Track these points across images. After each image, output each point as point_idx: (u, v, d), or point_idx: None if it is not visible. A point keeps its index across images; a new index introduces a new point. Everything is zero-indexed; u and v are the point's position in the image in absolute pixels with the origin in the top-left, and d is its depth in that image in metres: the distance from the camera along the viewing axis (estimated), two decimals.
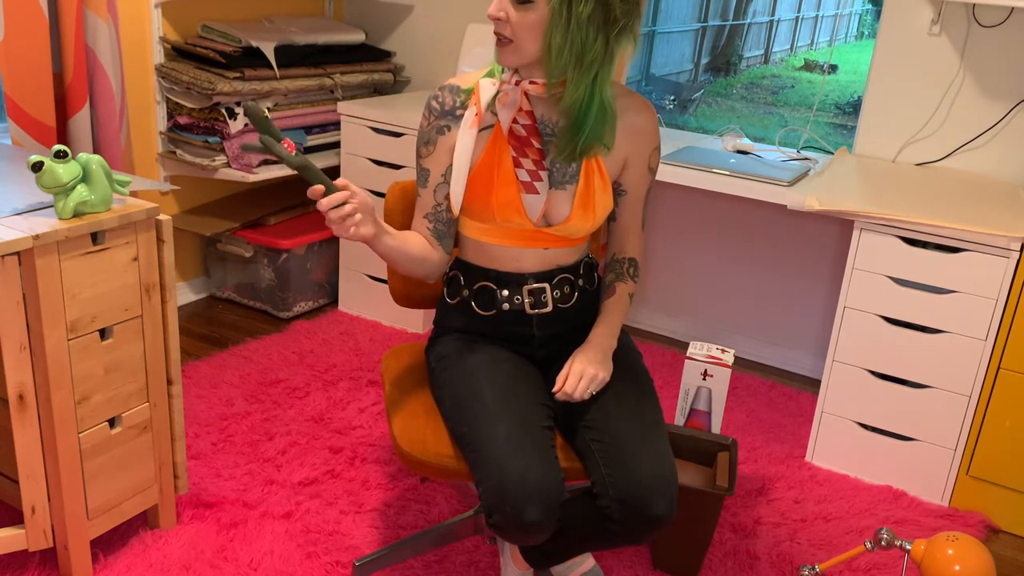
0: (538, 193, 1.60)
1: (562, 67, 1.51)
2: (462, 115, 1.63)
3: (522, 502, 1.42)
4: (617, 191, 1.71)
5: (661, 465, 1.50)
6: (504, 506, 1.43)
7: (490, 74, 1.63)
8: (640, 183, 1.71)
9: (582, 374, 1.59)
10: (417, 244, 1.65)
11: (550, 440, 1.53)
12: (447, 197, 1.67)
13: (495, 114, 1.61)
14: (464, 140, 1.60)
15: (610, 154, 1.64)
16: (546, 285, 1.69)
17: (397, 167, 2.99)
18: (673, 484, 1.50)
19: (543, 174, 1.60)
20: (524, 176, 1.60)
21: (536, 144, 1.59)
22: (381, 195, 3.06)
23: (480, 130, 1.62)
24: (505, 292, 1.69)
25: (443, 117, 1.64)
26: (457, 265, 1.75)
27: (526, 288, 1.69)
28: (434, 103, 1.64)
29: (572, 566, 1.88)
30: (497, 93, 1.60)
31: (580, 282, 1.73)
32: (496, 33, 1.54)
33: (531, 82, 1.57)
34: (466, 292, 1.72)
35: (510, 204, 1.60)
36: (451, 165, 1.65)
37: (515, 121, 1.59)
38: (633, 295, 1.75)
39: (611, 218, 1.76)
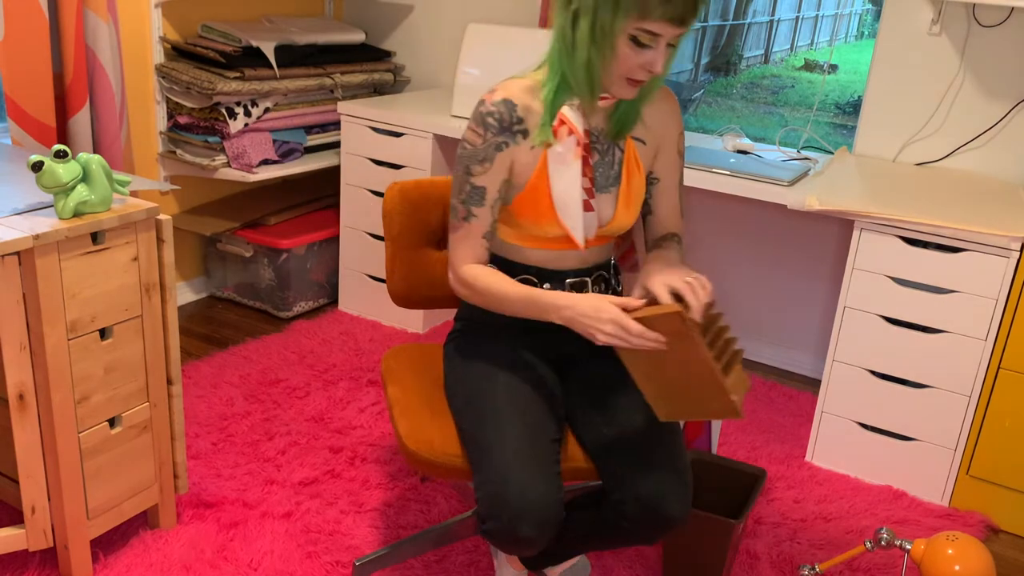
0: (593, 210, 1.59)
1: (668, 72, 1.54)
2: (519, 131, 1.56)
3: (519, 517, 1.41)
4: (651, 181, 1.70)
5: (677, 465, 1.50)
6: (500, 516, 1.42)
7: (561, 91, 1.55)
8: (672, 169, 1.70)
9: (698, 283, 1.46)
10: (501, 278, 1.60)
11: (556, 455, 1.52)
12: (499, 212, 1.62)
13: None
14: (569, 176, 1.55)
15: (646, 147, 1.65)
16: (587, 279, 1.69)
17: (397, 167, 2.99)
18: (688, 486, 1.50)
19: (594, 190, 1.59)
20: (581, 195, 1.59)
21: (591, 161, 1.58)
22: (380, 195, 3.06)
23: (532, 148, 1.57)
24: (547, 286, 1.67)
25: (502, 133, 1.55)
26: (494, 260, 1.70)
27: (568, 282, 1.67)
28: (491, 120, 1.54)
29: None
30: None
31: (612, 280, 1.74)
32: (638, 80, 1.49)
33: (602, 98, 1.55)
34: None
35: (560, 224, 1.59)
36: (505, 179, 1.59)
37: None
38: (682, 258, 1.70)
39: (648, 212, 1.73)
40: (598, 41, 1.44)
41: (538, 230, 1.60)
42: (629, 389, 1.62)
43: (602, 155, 1.61)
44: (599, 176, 1.61)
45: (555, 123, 1.54)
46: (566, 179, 1.55)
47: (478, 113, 1.56)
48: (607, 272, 1.72)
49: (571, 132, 1.54)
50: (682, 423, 2.26)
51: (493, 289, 1.57)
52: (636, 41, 1.43)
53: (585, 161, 1.57)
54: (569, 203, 1.56)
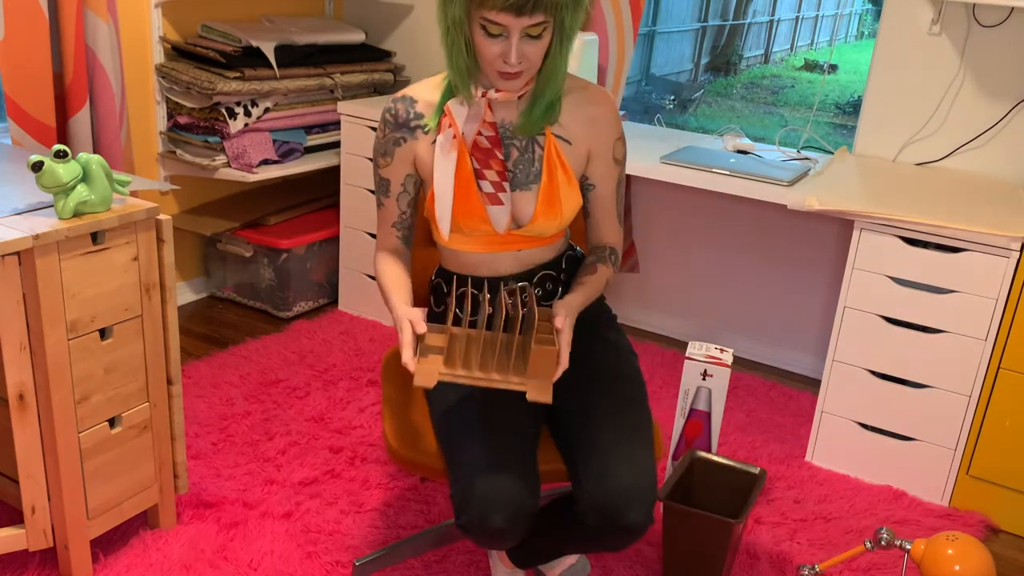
0: (503, 204, 1.60)
1: (561, 66, 1.54)
2: (417, 127, 1.62)
3: (489, 508, 1.41)
4: (585, 186, 1.70)
5: (639, 474, 1.48)
6: (471, 510, 1.43)
7: (449, 91, 1.61)
8: (608, 175, 1.69)
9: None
10: (404, 277, 1.65)
11: (529, 449, 1.53)
12: (410, 204, 1.69)
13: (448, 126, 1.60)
14: (445, 165, 1.59)
15: (573, 148, 1.64)
16: (527, 283, 1.69)
17: None
18: (650, 493, 1.47)
19: (506, 184, 1.60)
20: (488, 188, 1.59)
21: (499, 155, 1.59)
22: None
23: (432, 142, 1.61)
24: (488, 296, 1.68)
25: (398, 129, 1.63)
26: (440, 273, 1.76)
27: (505, 288, 1.67)
28: (388, 116, 1.64)
29: (559, 560, 1.87)
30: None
31: (563, 276, 1.72)
32: (510, 73, 1.50)
33: (497, 90, 1.56)
34: (450, 299, 1.71)
35: (475, 214, 1.60)
36: (409, 174, 1.66)
37: (479, 133, 1.58)
38: (611, 281, 1.73)
39: (586, 214, 1.75)
40: (452, 31, 1.51)
41: (454, 225, 1.63)
42: (602, 396, 1.62)
43: (521, 152, 1.62)
44: (518, 173, 1.62)
45: (443, 116, 1.60)
46: (441, 169, 1.59)
47: (382, 110, 1.67)
48: (555, 271, 1.71)
49: (451, 125, 1.58)
50: (679, 428, 2.26)
51: (379, 281, 1.65)
52: (486, 31, 1.46)
53: (490, 154, 1.58)
54: (441, 194, 1.60)
